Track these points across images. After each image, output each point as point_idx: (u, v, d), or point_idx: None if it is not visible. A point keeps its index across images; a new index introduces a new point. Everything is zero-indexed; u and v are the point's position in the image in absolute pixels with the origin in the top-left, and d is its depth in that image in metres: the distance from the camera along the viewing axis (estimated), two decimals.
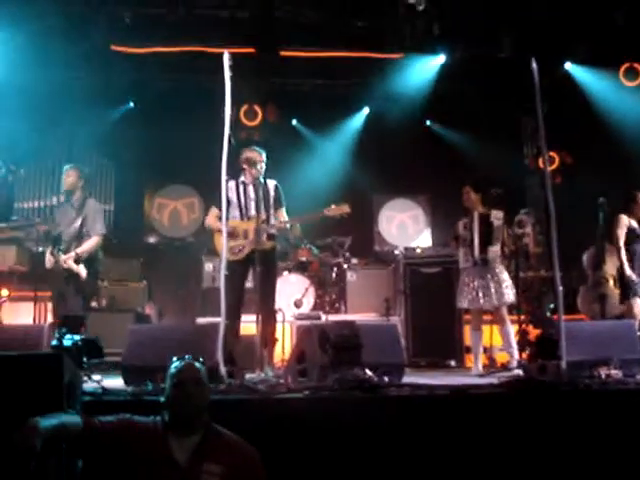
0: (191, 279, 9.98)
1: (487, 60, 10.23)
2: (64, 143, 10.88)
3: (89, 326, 7.97)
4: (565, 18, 9.45)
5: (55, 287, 7.09)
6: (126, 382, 5.19)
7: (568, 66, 10.72)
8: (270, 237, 6.55)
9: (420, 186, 11.90)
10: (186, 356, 3.57)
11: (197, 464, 3.31)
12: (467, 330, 8.08)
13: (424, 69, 10.70)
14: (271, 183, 6.77)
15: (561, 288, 5.57)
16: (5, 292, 8.16)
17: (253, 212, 6.54)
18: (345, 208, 6.59)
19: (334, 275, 9.54)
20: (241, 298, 6.51)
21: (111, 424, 3.42)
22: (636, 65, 10.30)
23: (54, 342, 5.31)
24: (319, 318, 8.38)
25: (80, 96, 10.57)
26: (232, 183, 6.50)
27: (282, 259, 9.02)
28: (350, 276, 9.34)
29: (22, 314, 8.06)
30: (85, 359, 5.31)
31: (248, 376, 5.60)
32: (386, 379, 5.06)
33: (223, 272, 5.36)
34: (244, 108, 11.11)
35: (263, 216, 6.48)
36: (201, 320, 8.11)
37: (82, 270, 6.88)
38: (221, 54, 5.69)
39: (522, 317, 7.62)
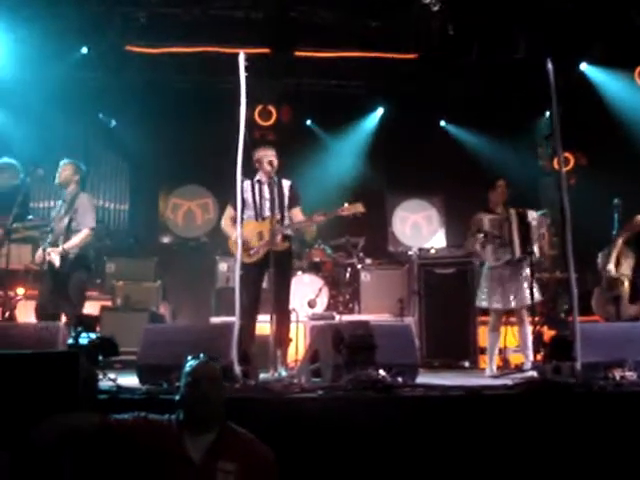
0: (205, 279, 10.00)
1: (502, 61, 10.21)
2: (80, 143, 10.93)
3: (104, 325, 8.09)
4: (580, 18, 9.42)
5: (45, 285, 6.97)
6: (141, 381, 5.22)
7: (583, 67, 10.68)
8: (285, 238, 6.56)
9: (434, 187, 11.89)
10: (201, 355, 3.59)
11: (212, 462, 3.33)
12: (481, 331, 8.07)
13: (438, 69, 10.69)
14: (286, 183, 6.78)
15: (576, 290, 5.53)
16: (21, 291, 8.20)
17: (268, 212, 6.55)
18: (359, 207, 6.58)
19: (348, 275, 9.55)
20: (257, 299, 6.51)
21: (126, 422, 3.45)
22: None
23: (70, 340, 5.34)
24: (333, 318, 8.38)
25: (95, 96, 10.65)
26: (247, 183, 6.51)
27: (296, 259, 9.03)
28: (364, 276, 9.33)
29: None
30: (101, 357, 5.33)
31: (262, 376, 5.61)
32: (400, 379, 5.05)
33: (237, 273, 5.38)
34: (258, 108, 11.15)
35: (278, 216, 6.50)
36: (215, 320, 8.14)
37: (56, 259, 6.71)
38: (236, 54, 5.71)
39: (537, 318, 7.59)
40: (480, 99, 11.00)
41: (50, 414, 3.35)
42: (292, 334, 7.34)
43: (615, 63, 10.39)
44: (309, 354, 5.77)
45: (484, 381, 6.23)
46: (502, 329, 7.45)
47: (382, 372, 4.92)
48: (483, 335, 7.82)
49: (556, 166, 5.70)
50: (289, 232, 6.64)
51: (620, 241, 7.55)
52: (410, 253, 9.45)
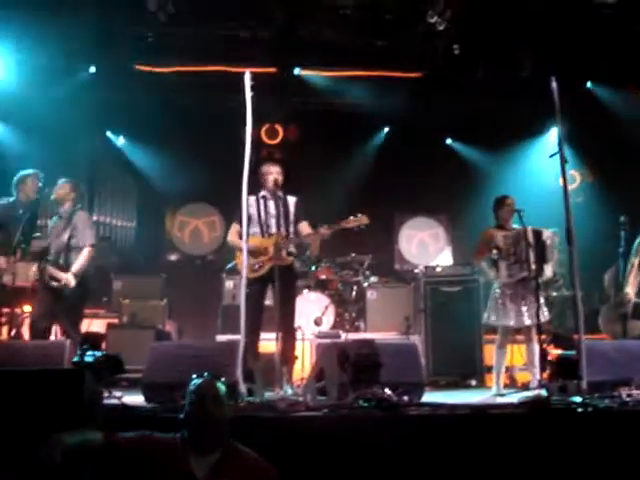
0: (211, 296, 10.00)
1: (507, 79, 10.23)
2: (87, 161, 10.99)
3: (110, 342, 8.10)
4: (586, 35, 9.44)
5: (39, 301, 6.97)
6: (146, 399, 5.22)
7: (589, 84, 10.71)
8: (290, 253, 6.60)
9: (440, 205, 11.88)
10: (205, 373, 3.59)
11: None
12: (487, 349, 8.04)
13: (444, 88, 10.73)
14: (292, 199, 6.83)
15: (582, 307, 5.52)
16: (28, 308, 8.21)
17: (273, 229, 6.59)
18: (363, 219, 6.61)
19: (354, 293, 9.54)
20: (260, 316, 6.53)
21: (131, 440, 3.45)
22: None
23: (75, 358, 5.35)
24: (339, 336, 8.37)
25: (103, 114, 10.72)
26: (252, 199, 6.54)
27: (301, 277, 9.04)
28: (370, 294, 9.32)
29: None
30: (106, 375, 5.33)
31: (268, 394, 5.61)
32: (406, 398, 5.05)
33: (243, 290, 5.39)
34: (265, 127, 11.20)
35: (283, 232, 6.53)
36: (221, 337, 8.13)
37: (71, 279, 6.77)
38: (243, 73, 5.76)
39: (543, 337, 7.56)
40: (486, 117, 11.02)
41: (55, 432, 3.35)
42: (298, 352, 7.32)
43: (622, 80, 10.42)
44: (315, 372, 5.77)
45: (491, 400, 6.22)
46: (508, 347, 7.41)
47: (388, 391, 4.92)
48: (489, 353, 7.79)
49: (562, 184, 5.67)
50: (292, 249, 6.67)
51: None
52: (416, 271, 9.44)
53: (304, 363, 7.61)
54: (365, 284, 9.44)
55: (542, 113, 7.52)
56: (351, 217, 6.63)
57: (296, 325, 7.01)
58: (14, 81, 9.59)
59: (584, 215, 8.95)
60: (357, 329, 9.23)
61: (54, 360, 5.65)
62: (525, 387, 6.97)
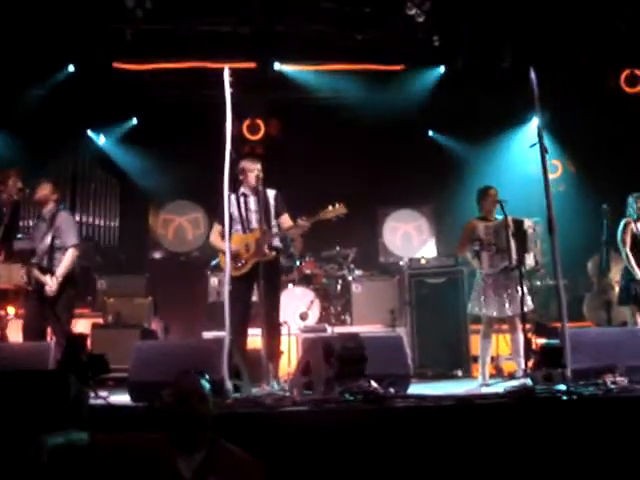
0: (197, 294, 9.99)
1: (488, 70, 10.26)
2: (68, 161, 10.94)
3: (95, 342, 8.07)
4: (565, 25, 9.49)
5: (31, 303, 6.94)
6: (132, 398, 5.21)
7: (569, 73, 10.74)
8: (272, 248, 6.59)
9: (423, 196, 11.90)
10: (189, 371, 3.58)
11: (203, 479, 3.32)
12: (473, 339, 8.07)
13: (425, 79, 10.76)
14: (271, 193, 6.82)
15: (565, 296, 5.55)
16: (12, 310, 8.17)
17: (254, 224, 6.59)
18: (341, 209, 6.63)
19: (339, 287, 9.56)
20: (247, 312, 6.54)
21: (117, 440, 3.44)
22: (637, 71, 10.32)
23: (60, 359, 5.33)
24: (325, 330, 8.39)
25: (84, 113, 10.66)
26: (233, 196, 6.52)
27: (287, 272, 9.05)
28: (355, 288, 9.33)
29: None
30: (91, 375, 5.31)
31: (254, 390, 5.60)
32: (392, 390, 5.06)
33: (227, 288, 5.39)
34: (247, 122, 11.18)
35: (264, 227, 6.53)
36: (207, 335, 8.14)
37: (49, 281, 6.72)
38: (223, 69, 5.75)
39: (527, 326, 7.60)
40: (467, 108, 11.04)
41: (40, 433, 3.33)
42: (284, 347, 7.34)
43: (600, 69, 10.47)
44: (301, 367, 5.77)
45: (476, 390, 6.24)
46: (494, 337, 7.45)
47: (374, 383, 4.93)
48: (475, 343, 7.82)
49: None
50: (277, 243, 6.67)
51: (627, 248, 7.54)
52: (401, 263, 9.47)
53: (290, 358, 7.62)
54: (350, 277, 9.46)
55: (523, 103, 7.55)
56: (330, 207, 6.65)
57: (282, 320, 7.02)
58: None
59: (566, 204, 9.02)
60: (343, 323, 9.25)
61: (39, 361, 5.63)
62: (511, 377, 7.00)
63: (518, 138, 11.12)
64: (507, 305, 7.00)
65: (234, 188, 6.57)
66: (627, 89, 10.35)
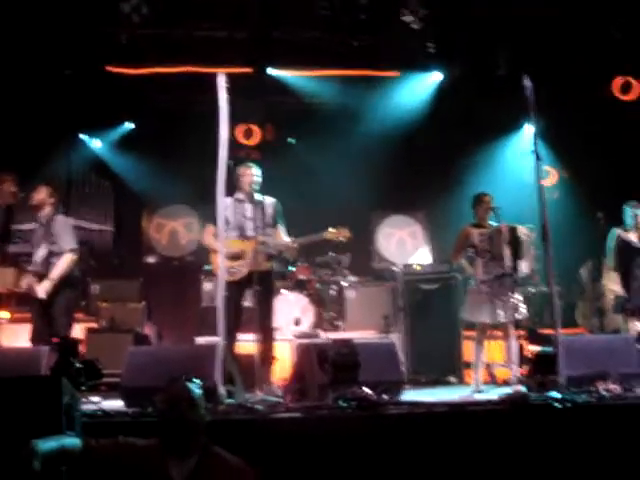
0: (190, 299, 9.98)
1: (483, 77, 10.29)
2: (63, 165, 10.92)
3: (89, 347, 8.05)
4: (561, 32, 9.52)
5: (35, 309, 6.92)
6: (126, 404, 5.20)
7: (563, 81, 10.77)
8: (268, 258, 6.59)
9: (418, 202, 11.90)
10: (179, 377, 3.57)
11: None
12: (466, 345, 8.08)
13: (420, 86, 10.77)
14: (269, 201, 6.82)
15: (559, 302, 5.57)
16: (5, 314, 8.15)
17: (250, 232, 6.59)
18: (345, 232, 6.65)
19: (333, 293, 9.52)
20: (239, 318, 6.53)
21: (111, 446, 3.43)
22: (630, 79, 10.36)
23: (53, 365, 5.32)
24: (318, 336, 8.38)
25: (78, 117, 10.65)
26: (228, 201, 6.50)
27: (281, 278, 9.03)
28: (349, 293, 9.33)
29: (21, 336, 8.02)
30: (84, 381, 5.30)
31: (247, 396, 5.60)
32: (385, 397, 5.06)
33: (220, 293, 5.39)
34: (242, 128, 11.17)
35: (261, 237, 6.51)
36: (200, 340, 8.11)
37: (43, 290, 6.69)
38: (218, 74, 5.75)
39: (521, 332, 7.62)
40: (462, 115, 11.05)
41: (33, 439, 3.32)
42: (277, 353, 7.33)
43: (594, 76, 10.50)
44: (294, 373, 5.78)
45: (470, 396, 6.25)
46: (486, 343, 7.46)
47: (367, 390, 4.93)
48: (468, 350, 7.84)
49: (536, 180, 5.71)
50: (272, 252, 6.67)
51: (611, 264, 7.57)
52: (395, 269, 9.46)
53: (284, 364, 7.60)
54: (344, 283, 9.44)
55: (518, 110, 7.56)
56: (332, 229, 6.65)
57: (275, 326, 7.01)
58: None
59: (560, 211, 9.02)
60: (337, 329, 9.22)
61: (32, 366, 5.61)
62: (504, 383, 7.02)
63: (513, 145, 11.14)
64: (501, 312, 7.00)
65: (231, 193, 6.58)
66: (621, 96, 10.37)
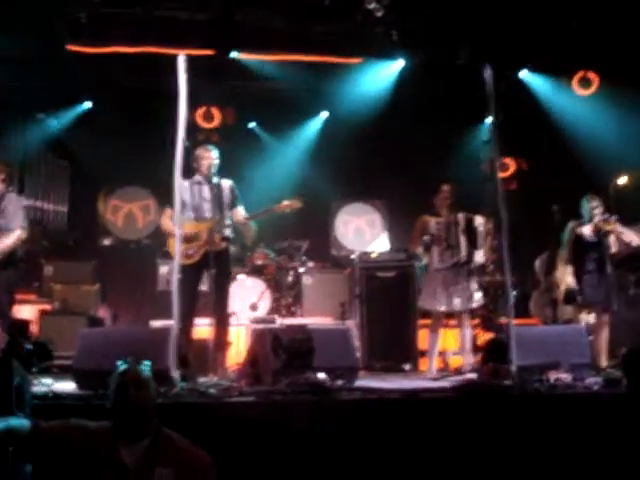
0: (146, 282, 9.88)
1: (445, 66, 10.33)
2: (17, 144, 10.72)
3: (42, 329, 7.95)
4: (522, 26, 9.58)
5: None
6: (79, 386, 5.15)
7: (524, 74, 10.87)
8: (224, 238, 6.55)
9: (377, 191, 11.94)
10: (129, 359, 3.54)
11: (147, 468, 3.29)
12: (422, 333, 8.13)
13: (383, 74, 10.77)
14: (226, 183, 6.78)
15: (514, 292, 5.64)
16: None
17: (207, 214, 6.55)
18: (296, 203, 6.66)
19: (290, 279, 9.51)
20: (194, 301, 6.49)
21: (60, 428, 3.39)
22: (590, 74, 10.47)
23: (3, 346, 5.24)
24: (274, 322, 8.37)
25: (36, 96, 10.45)
26: (186, 183, 6.44)
27: (237, 263, 9.00)
28: (306, 280, 9.34)
29: None
30: (35, 362, 5.23)
31: (201, 380, 5.58)
32: (339, 383, 5.08)
33: (176, 276, 5.35)
34: (202, 110, 11.07)
35: (217, 217, 6.48)
36: (155, 323, 8.03)
37: None
38: (179, 55, 5.69)
39: (475, 321, 7.70)
40: (424, 104, 11.09)
41: None
42: (234, 338, 7.32)
43: (555, 70, 10.61)
44: (249, 358, 5.77)
45: (423, 384, 6.30)
46: (441, 331, 7.53)
47: (321, 375, 4.94)
48: (423, 338, 7.89)
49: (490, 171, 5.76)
50: (228, 234, 6.63)
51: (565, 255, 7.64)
52: (352, 257, 9.47)
53: (239, 349, 7.59)
54: (301, 269, 9.45)
55: (478, 100, 7.60)
56: (284, 201, 6.66)
57: (232, 311, 6.99)
58: None
59: (517, 202, 9.10)
60: (293, 314, 9.23)
61: None
62: (458, 371, 7.09)
63: (473, 135, 11.21)
64: (456, 300, 7.08)
65: (189, 176, 6.53)
66: (580, 91, 10.49)
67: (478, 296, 7.21)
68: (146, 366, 3.53)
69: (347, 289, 9.13)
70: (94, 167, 11.05)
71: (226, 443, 4.11)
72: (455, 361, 7.87)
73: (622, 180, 7.78)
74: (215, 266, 6.10)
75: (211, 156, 6.65)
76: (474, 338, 7.04)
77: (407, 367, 8.17)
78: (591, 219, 7.38)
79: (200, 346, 6.34)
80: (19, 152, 10.69)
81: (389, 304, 8.40)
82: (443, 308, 7.18)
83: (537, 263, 9.28)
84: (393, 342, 8.27)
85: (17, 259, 6.83)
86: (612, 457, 4.60)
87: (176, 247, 5.52)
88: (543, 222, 9.09)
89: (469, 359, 7.03)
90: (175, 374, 4.94)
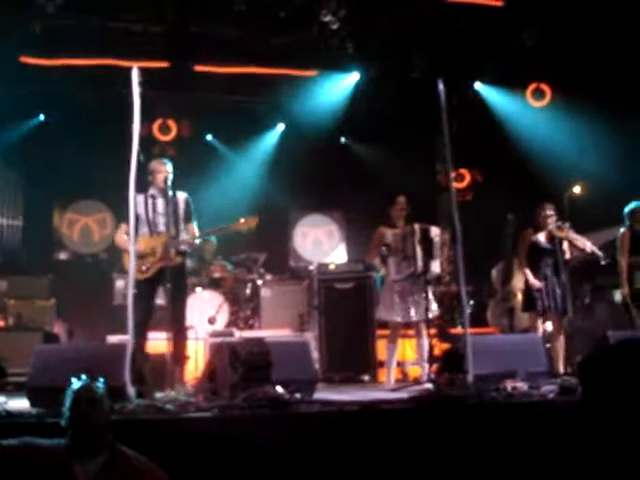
0: (102, 296, 9.77)
1: (399, 79, 10.42)
2: None
3: None
4: (475, 39, 9.71)
5: None
6: (32, 404, 5.06)
7: (478, 86, 11.01)
8: (179, 253, 6.51)
9: (335, 202, 12.00)
10: (83, 376, 3.50)
11: None
12: (380, 345, 8.15)
13: (338, 86, 10.83)
14: (181, 196, 6.73)
15: (471, 302, 5.69)
16: None
17: (162, 228, 6.51)
18: (252, 221, 6.63)
19: (248, 291, 9.47)
20: (149, 316, 6.43)
21: (13, 447, 3.34)
22: (543, 86, 10.64)
23: None
24: (232, 335, 8.32)
25: None
26: (140, 197, 6.41)
27: (195, 275, 8.95)
28: (264, 292, 9.31)
29: None
30: None
31: (159, 395, 5.52)
32: (298, 395, 5.06)
33: (130, 291, 5.30)
34: (158, 123, 11.00)
35: (172, 232, 6.44)
36: (112, 338, 7.96)
37: None
38: (133, 68, 5.65)
39: (432, 331, 7.74)
40: (379, 116, 11.17)
41: None
42: (191, 352, 7.26)
43: (508, 83, 10.76)
44: (207, 372, 5.72)
45: (382, 395, 6.30)
46: (400, 342, 7.57)
47: (279, 389, 4.92)
48: (382, 349, 7.92)
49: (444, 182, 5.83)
50: (184, 248, 6.58)
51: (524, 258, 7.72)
52: (310, 268, 9.49)
53: (198, 363, 7.54)
54: (259, 282, 9.42)
55: (433, 113, 7.68)
56: (241, 219, 6.64)
57: (189, 324, 6.93)
58: None
59: (472, 213, 9.19)
60: (251, 327, 9.20)
61: None
62: (416, 382, 7.12)
63: (430, 146, 11.30)
64: (412, 311, 7.13)
65: (143, 189, 6.48)
66: (534, 102, 10.65)
67: (434, 306, 7.27)
68: (100, 383, 3.49)
69: (305, 301, 9.13)
70: (49, 180, 10.91)
71: (184, 460, 4.07)
72: (414, 371, 7.90)
73: (576, 189, 7.88)
74: (171, 280, 6.06)
75: (166, 169, 6.61)
76: (431, 348, 7.07)
77: (366, 378, 8.19)
78: (546, 227, 7.49)
79: (157, 360, 6.28)
80: None
81: (347, 315, 8.42)
82: (400, 319, 7.22)
83: (494, 273, 9.37)
84: (352, 353, 8.28)
85: None
86: (567, 465, 4.65)
87: (131, 262, 5.46)
88: (499, 232, 9.18)
89: (426, 369, 7.06)
90: (131, 390, 4.89)
